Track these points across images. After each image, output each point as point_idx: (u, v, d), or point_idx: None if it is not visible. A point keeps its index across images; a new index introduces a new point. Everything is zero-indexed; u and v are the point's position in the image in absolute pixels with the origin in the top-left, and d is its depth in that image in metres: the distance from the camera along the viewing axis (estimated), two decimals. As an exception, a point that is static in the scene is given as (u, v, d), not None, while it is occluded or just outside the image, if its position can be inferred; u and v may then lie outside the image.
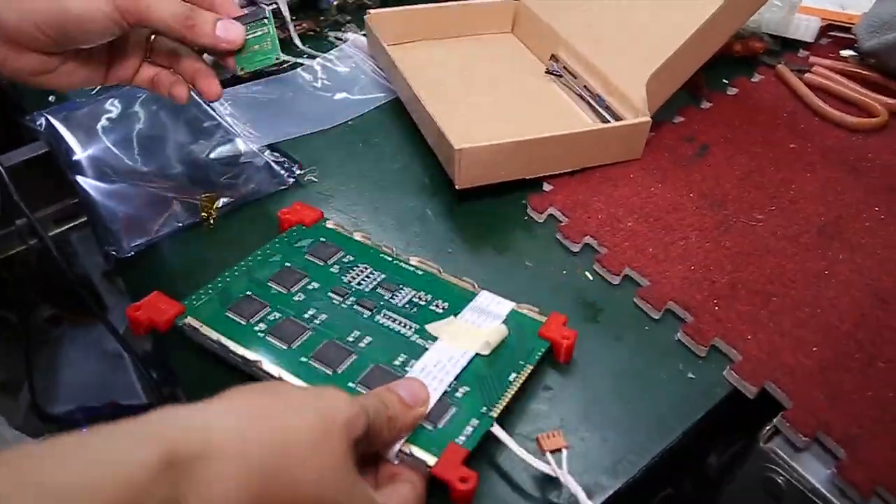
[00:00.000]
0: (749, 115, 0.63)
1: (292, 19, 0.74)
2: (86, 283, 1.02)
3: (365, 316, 0.43)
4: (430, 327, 0.43)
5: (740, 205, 0.54)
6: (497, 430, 0.37)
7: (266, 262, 0.47)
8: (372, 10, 0.68)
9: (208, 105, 0.64)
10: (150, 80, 0.48)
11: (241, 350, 0.40)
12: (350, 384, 0.38)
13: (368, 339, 0.42)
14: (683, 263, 0.49)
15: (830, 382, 0.42)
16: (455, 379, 0.39)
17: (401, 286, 0.46)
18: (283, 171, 0.57)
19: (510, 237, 0.52)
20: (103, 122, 0.62)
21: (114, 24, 0.42)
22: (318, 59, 0.70)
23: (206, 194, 0.54)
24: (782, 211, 0.54)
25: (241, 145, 0.60)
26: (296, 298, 0.44)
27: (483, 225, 0.53)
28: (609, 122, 0.58)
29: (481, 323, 0.43)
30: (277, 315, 0.43)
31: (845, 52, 0.70)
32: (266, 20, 0.47)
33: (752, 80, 0.68)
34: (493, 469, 0.38)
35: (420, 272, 0.47)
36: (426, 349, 0.41)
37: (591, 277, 0.50)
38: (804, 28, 0.71)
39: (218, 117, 0.63)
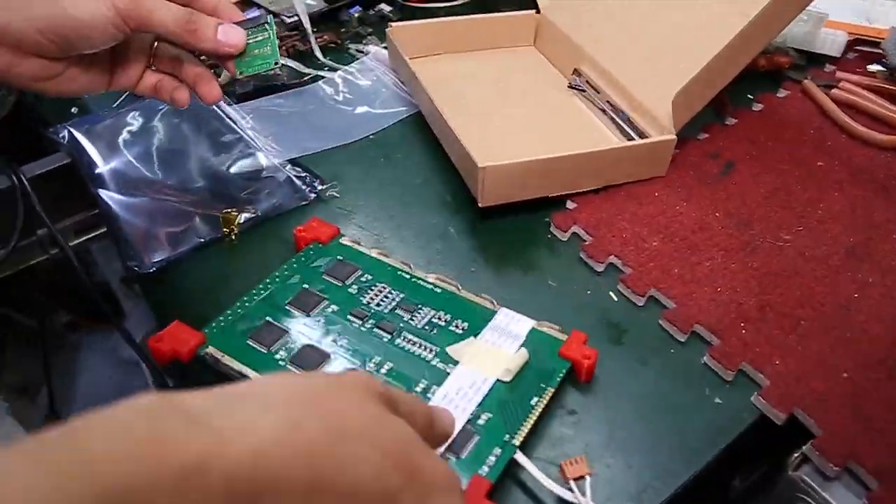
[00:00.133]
0: (775, 132, 0.62)
1: (313, 31, 0.74)
2: (104, 290, 1.02)
3: (385, 339, 0.43)
4: (450, 350, 0.42)
5: (767, 224, 0.53)
6: (520, 456, 0.37)
7: (284, 284, 0.47)
8: (393, 24, 0.68)
9: (230, 118, 0.64)
10: (152, 86, 0.49)
11: None
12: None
13: (389, 364, 0.41)
14: (710, 285, 0.48)
15: (862, 410, 0.41)
16: (477, 405, 0.39)
17: (420, 306, 0.45)
18: (304, 187, 0.57)
19: (533, 256, 0.52)
20: (125, 135, 0.62)
21: (116, 30, 0.42)
22: (339, 72, 0.70)
23: (228, 210, 0.54)
24: (810, 231, 0.53)
25: (262, 159, 0.60)
26: (316, 321, 0.44)
27: (506, 243, 0.53)
28: (633, 138, 0.57)
29: (502, 343, 0.43)
30: (297, 342, 0.43)
31: (873, 67, 0.69)
32: (267, 25, 0.48)
33: (778, 95, 0.67)
34: (515, 496, 0.38)
35: (438, 290, 0.47)
36: (447, 374, 0.41)
37: (615, 298, 0.49)
38: (831, 42, 0.70)
39: (239, 130, 0.63)
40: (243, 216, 0.54)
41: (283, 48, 0.73)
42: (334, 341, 0.43)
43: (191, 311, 0.49)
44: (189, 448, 0.22)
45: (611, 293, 0.49)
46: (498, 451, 0.37)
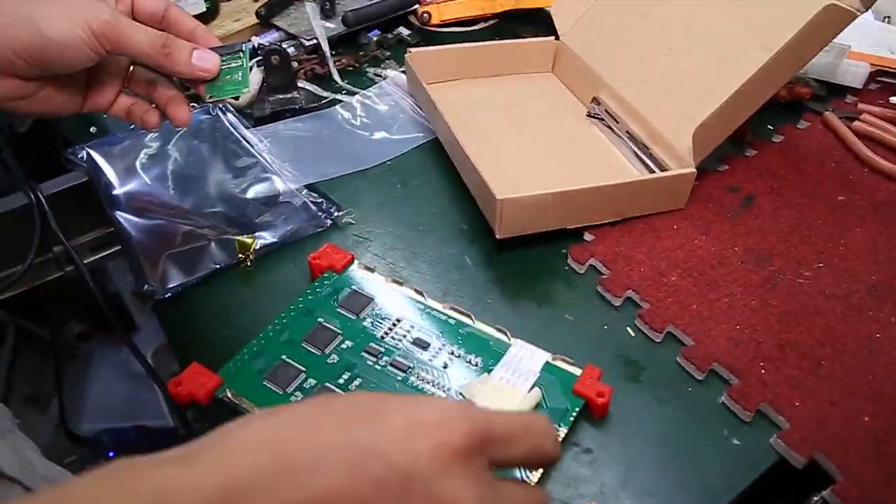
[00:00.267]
0: (795, 165, 0.62)
1: (332, 54, 0.75)
2: (117, 303, 1.03)
3: (399, 378, 0.43)
4: (463, 389, 0.42)
5: (787, 261, 0.52)
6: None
7: (299, 318, 0.47)
8: (412, 49, 0.68)
9: (247, 142, 0.64)
10: (125, 109, 0.49)
11: None
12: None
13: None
14: (728, 322, 0.48)
15: (885, 456, 0.40)
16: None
17: (433, 339, 0.45)
18: (320, 213, 0.57)
19: (550, 288, 0.51)
20: (142, 157, 0.63)
21: (92, 51, 0.43)
22: (356, 97, 0.70)
23: (244, 237, 0.54)
24: (831, 268, 0.52)
25: (279, 184, 0.60)
26: (330, 360, 0.44)
27: (522, 275, 0.52)
28: (653, 170, 0.57)
29: (515, 381, 0.43)
30: (313, 381, 0.43)
31: (895, 100, 0.68)
32: (241, 54, 0.49)
33: (799, 126, 0.67)
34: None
35: (452, 321, 0.46)
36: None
37: (632, 333, 0.48)
38: (853, 74, 0.69)
39: (256, 154, 0.63)
40: (259, 242, 0.54)
41: (302, 72, 0.73)
42: (348, 381, 0.43)
43: (206, 338, 0.49)
44: (160, 476, 0.25)
45: (628, 328, 0.49)
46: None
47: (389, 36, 0.79)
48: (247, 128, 0.66)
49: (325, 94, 0.71)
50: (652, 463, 0.41)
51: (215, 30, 0.77)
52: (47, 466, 0.55)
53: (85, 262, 0.69)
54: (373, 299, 0.48)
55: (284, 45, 0.72)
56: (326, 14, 0.78)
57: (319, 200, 0.58)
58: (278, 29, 0.78)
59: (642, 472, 0.41)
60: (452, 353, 0.44)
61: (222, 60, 0.48)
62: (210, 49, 0.48)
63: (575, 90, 0.69)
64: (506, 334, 0.45)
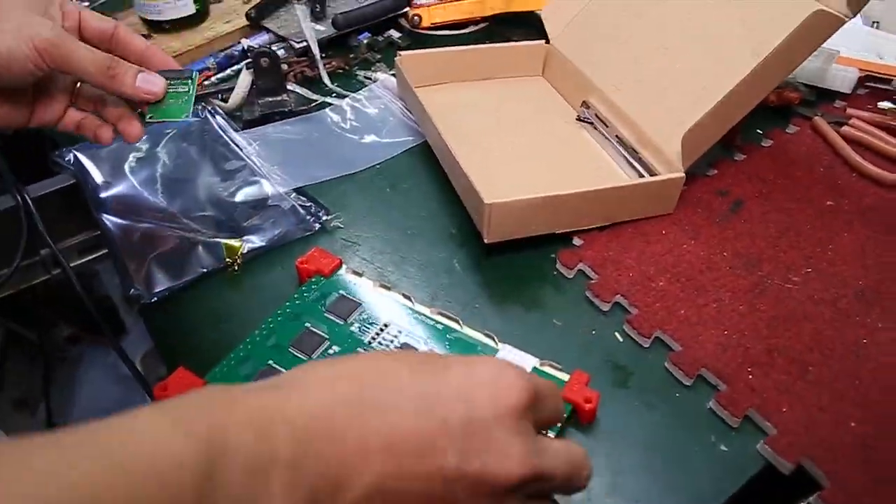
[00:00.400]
0: (784, 169, 0.62)
1: (322, 57, 0.74)
2: (107, 305, 1.02)
3: None
4: None
5: (775, 265, 0.52)
6: None
7: (287, 322, 0.46)
8: (403, 52, 0.68)
9: (236, 145, 0.64)
10: (76, 124, 0.50)
11: None
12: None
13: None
14: (717, 327, 0.48)
15: (872, 461, 0.40)
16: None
17: (421, 344, 0.45)
18: (309, 217, 0.57)
19: (538, 293, 0.51)
20: (130, 160, 0.62)
21: (35, 67, 0.43)
22: (346, 100, 0.70)
23: (231, 241, 0.54)
24: (819, 273, 0.52)
25: (267, 187, 0.59)
26: None
27: (511, 279, 0.52)
28: (642, 174, 0.57)
29: None
30: None
31: (884, 105, 0.68)
32: (190, 80, 0.49)
33: (787, 131, 0.67)
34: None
35: (440, 326, 0.46)
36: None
37: (620, 339, 0.48)
38: (841, 79, 0.70)
39: (245, 158, 0.63)
40: (247, 246, 0.54)
41: (292, 74, 0.73)
42: None
43: (193, 343, 0.49)
44: (254, 401, 0.28)
45: (616, 334, 0.49)
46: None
47: (380, 39, 0.78)
48: (236, 130, 0.66)
49: (314, 96, 0.71)
50: (639, 468, 0.41)
51: (205, 31, 0.77)
52: None
53: (72, 264, 0.69)
54: (361, 304, 0.48)
55: (274, 48, 0.72)
56: (316, 16, 0.78)
57: (308, 204, 0.58)
58: (268, 31, 0.78)
59: (630, 478, 0.41)
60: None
61: (169, 84, 0.49)
62: (158, 72, 0.48)
63: (565, 94, 0.69)
64: (493, 339, 0.45)
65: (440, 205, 0.59)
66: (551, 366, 0.44)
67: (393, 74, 0.72)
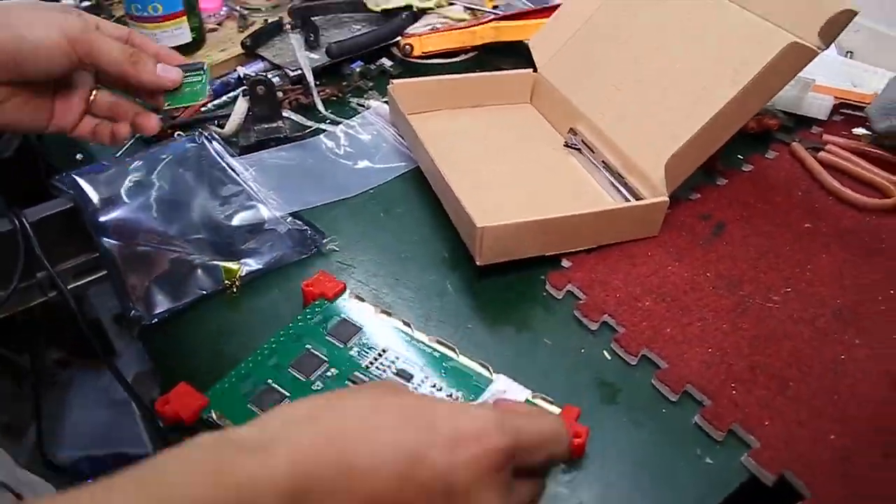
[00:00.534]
0: (764, 194, 0.64)
1: (316, 85, 0.76)
2: (96, 329, 1.03)
3: None
4: None
5: (756, 286, 0.54)
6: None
7: (289, 343, 0.48)
8: (395, 81, 0.70)
9: (232, 170, 0.65)
10: (90, 130, 0.53)
11: None
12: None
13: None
14: (701, 346, 0.49)
15: (850, 473, 0.42)
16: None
17: (416, 371, 0.46)
18: (305, 240, 0.58)
19: (529, 314, 0.53)
20: (128, 184, 0.63)
21: (65, 57, 0.45)
22: (340, 126, 0.72)
23: (229, 263, 0.55)
24: (798, 293, 0.54)
25: (264, 212, 0.61)
26: (314, 387, 0.45)
27: (502, 300, 0.54)
28: (627, 199, 0.59)
29: None
30: None
31: (858, 131, 0.71)
32: (202, 72, 0.55)
33: (767, 156, 0.70)
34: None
35: (437, 354, 0.48)
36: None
37: (608, 357, 0.50)
38: (818, 106, 0.72)
39: (242, 182, 0.64)
40: (245, 269, 0.56)
41: (287, 101, 0.75)
42: None
43: (192, 364, 0.50)
44: (241, 470, 0.27)
45: (604, 352, 0.50)
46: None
47: (372, 67, 0.81)
48: (232, 156, 0.67)
49: (309, 123, 0.73)
50: (628, 482, 0.43)
51: (201, 59, 0.79)
52: (26, 474, 0.56)
53: (69, 287, 0.70)
54: (361, 329, 0.49)
55: (269, 76, 0.74)
56: (311, 45, 0.80)
57: (304, 228, 0.60)
58: (263, 59, 0.80)
59: (619, 491, 0.42)
60: (434, 386, 0.45)
61: (184, 75, 0.53)
62: (176, 66, 0.53)
63: (552, 121, 0.72)
64: (488, 369, 0.46)
65: (432, 229, 0.60)
66: (543, 398, 0.45)
67: (385, 102, 0.74)
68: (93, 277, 0.74)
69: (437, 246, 0.59)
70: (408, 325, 0.49)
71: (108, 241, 0.58)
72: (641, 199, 0.58)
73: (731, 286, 0.54)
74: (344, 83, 0.79)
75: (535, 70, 0.74)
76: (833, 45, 0.80)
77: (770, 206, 0.63)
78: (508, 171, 0.65)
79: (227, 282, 0.55)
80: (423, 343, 0.48)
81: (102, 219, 0.60)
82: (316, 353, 0.47)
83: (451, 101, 0.73)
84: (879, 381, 0.48)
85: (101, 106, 0.53)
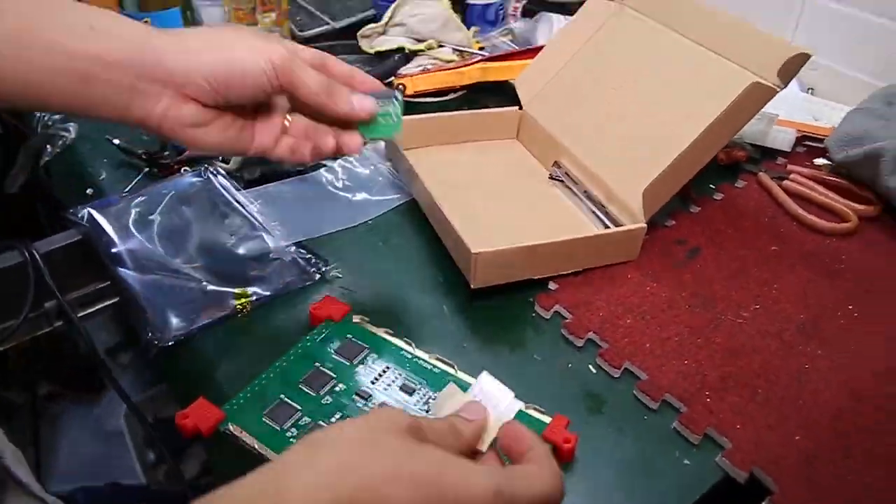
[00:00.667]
0: (734, 220, 0.69)
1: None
2: (91, 361, 1.05)
3: None
4: (434, 404, 0.47)
5: (728, 304, 0.59)
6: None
7: (298, 361, 0.52)
8: (390, 118, 0.75)
9: (238, 203, 0.70)
10: (289, 149, 0.52)
11: (273, 456, 0.45)
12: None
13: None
14: (678, 358, 0.54)
15: (812, 470, 0.46)
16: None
17: (419, 386, 0.50)
18: (309, 268, 0.62)
19: (520, 333, 0.57)
20: (138, 217, 0.68)
21: (269, 84, 0.46)
22: (339, 161, 0.76)
23: (239, 289, 0.59)
24: (766, 310, 0.59)
25: (269, 242, 0.65)
26: (324, 401, 0.49)
27: (495, 321, 0.58)
28: (609, 226, 0.64)
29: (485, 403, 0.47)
30: (307, 420, 0.47)
31: (819, 161, 0.77)
32: (395, 101, 0.53)
33: (737, 185, 0.75)
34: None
35: (437, 370, 0.51)
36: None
37: (594, 371, 0.54)
38: (781, 139, 0.78)
39: (248, 214, 0.68)
40: (254, 294, 0.59)
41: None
42: (340, 420, 0.47)
43: (206, 383, 0.54)
44: None
45: (590, 366, 0.55)
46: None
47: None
48: (238, 190, 0.71)
49: (308, 158, 0.77)
50: (614, 484, 0.47)
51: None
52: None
53: (80, 315, 0.73)
54: (366, 348, 0.53)
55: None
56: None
57: (308, 256, 0.64)
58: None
59: (605, 491, 0.46)
60: (434, 399, 0.49)
61: (378, 103, 0.52)
62: (368, 94, 0.52)
63: (537, 155, 0.77)
64: None
65: (427, 256, 0.65)
66: (535, 409, 0.49)
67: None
68: (96, 308, 0.77)
69: (433, 271, 0.63)
70: (409, 343, 0.54)
71: (123, 271, 0.62)
72: (621, 226, 0.63)
73: (705, 304, 0.59)
74: (340, 121, 0.83)
75: (521, 107, 0.79)
76: (796, 82, 0.86)
77: (739, 231, 0.68)
78: (497, 202, 0.69)
79: (238, 307, 0.59)
80: (423, 360, 0.52)
81: (117, 250, 0.64)
82: (324, 370, 0.51)
83: (443, 137, 0.78)
84: (840, 389, 0.53)
85: (296, 129, 0.52)
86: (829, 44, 0.89)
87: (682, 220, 0.69)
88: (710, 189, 0.74)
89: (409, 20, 0.86)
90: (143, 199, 0.70)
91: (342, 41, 0.89)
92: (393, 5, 0.87)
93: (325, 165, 0.76)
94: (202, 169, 0.74)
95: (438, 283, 0.62)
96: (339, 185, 0.73)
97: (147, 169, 0.76)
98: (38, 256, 0.70)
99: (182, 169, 0.76)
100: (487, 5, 0.97)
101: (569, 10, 0.90)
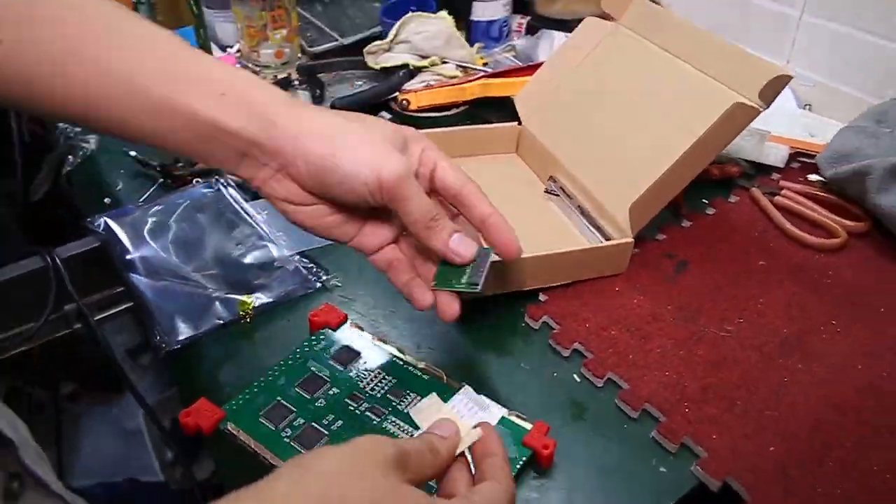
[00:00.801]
0: (724, 234, 0.71)
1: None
2: (109, 363, 1.09)
3: (374, 422, 0.50)
4: (414, 411, 0.48)
5: (712, 317, 0.61)
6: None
7: (296, 365, 0.54)
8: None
9: (247, 214, 0.73)
10: (387, 262, 0.50)
11: (269, 455, 0.47)
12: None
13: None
14: (660, 369, 0.56)
15: (786, 479, 0.48)
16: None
17: (407, 391, 0.52)
18: (311, 276, 0.65)
19: (509, 342, 0.60)
20: (151, 225, 0.71)
21: (370, 196, 0.45)
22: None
23: (243, 296, 0.62)
24: (750, 324, 0.61)
25: (274, 251, 0.68)
26: (318, 404, 0.51)
27: (485, 329, 0.61)
28: (599, 240, 0.66)
29: (465, 414, 0.50)
30: (301, 421, 0.50)
31: (812, 177, 0.78)
32: (487, 258, 0.49)
33: (729, 200, 0.77)
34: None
35: (426, 377, 0.54)
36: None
37: (578, 380, 0.56)
38: (774, 155, 0.80)
39: (255, 224, 0.71)
40: (257, 301, 0.62)
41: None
42: (331, 422, 0.50)
43: (210, 383, 0.57)
44: None
45: (574, 375, 0.57)
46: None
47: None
48: (246, 201, 0.75)
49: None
50: (593, 489, 0.49)
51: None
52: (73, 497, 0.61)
53: (97, 318, 0.77)
54: (360, 353, 0.56)
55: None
56: (316, 101, 0.88)
57: (310, 265, 0.67)
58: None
59: (583, 496, 0.48)
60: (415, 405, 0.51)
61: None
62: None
63: (535, 169, 0.79)
64: (471, 390, 0.53)
65: (425, 266, 0.67)
66: (517, 415, 0.51)
67: (384, 151, 0.81)
68: (112, 311, 0.81)
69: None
70: (401, 351, 0.56)
71: (135, 277, 0.66)
72: (610, 239, 0.65)
73: (689, 317, 0.61)
74: (347, 134, 0.86)
75: (520, 123, 0.82)
76: (793, 98, 0.88)
77: (729, 245, 0.70)
78: (494, 215, 0.72)
79: (241, 313, 0.62)
80: (413, 367, 0.55)
81: (130, 257, 0.68)
82: (319, 374, 0.54)
83: (446, 150, 0.79)
84: (818, 401, 0.54)
85: (406, 248, 0.50)
86: (825, 61, 0.90)
87: (673, 234, 0.71)
88: (703, 204, 0.76)
89: (414, 37, 0.89)
90: (157, 208, 0.74)
91: (349, 57, 0.92)
92: (398, 23, 0.90)
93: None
94: (213, 180, 0.78)
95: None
96: (343, 197, 0.76)
97: (161, 180, 0.80)
98: (59, 262, 0.74)
99: (195, 180, 0.79)
100: (491, 22, 0.99)
101: (569, 27, 0.93)
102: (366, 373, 0.54)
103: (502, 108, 0.90)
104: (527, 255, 0.59)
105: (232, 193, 0.76)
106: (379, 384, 0.53)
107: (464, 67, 0.93)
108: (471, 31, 1.01)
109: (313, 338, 0.57)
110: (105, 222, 0.71)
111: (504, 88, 0.89)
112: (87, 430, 1.36)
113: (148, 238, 0.70)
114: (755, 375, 0.56)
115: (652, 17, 0.73)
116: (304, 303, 0.63)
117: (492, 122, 0.84)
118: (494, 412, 0.51)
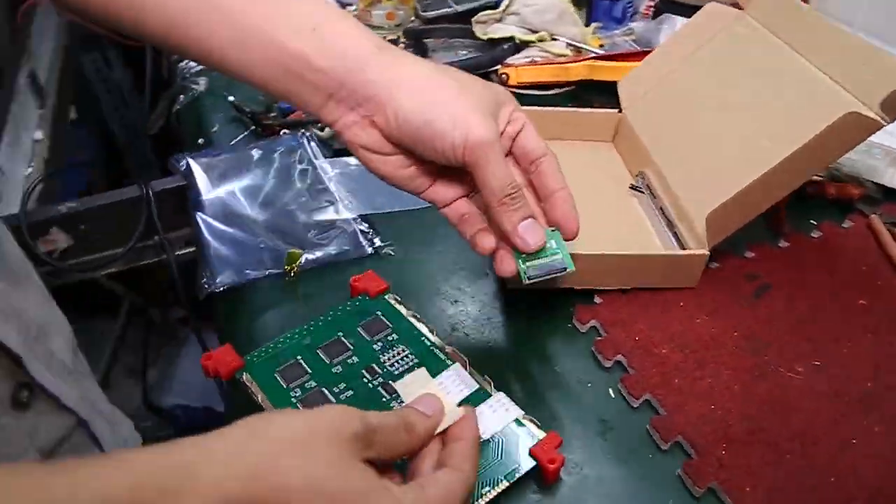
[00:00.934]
0: (825, 262, 0.63)
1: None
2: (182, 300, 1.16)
3: (384, 399, 0.48)
4: (400, 385, 0.48)
5: (782, 354, 0.54)
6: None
7: (324, 328, 0.53)
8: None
9: (323, 172, 0.72)
10: (458, 216, 0.49)
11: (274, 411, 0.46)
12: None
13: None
14: (705, 401, 0.50)
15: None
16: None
17: (425, 372, 0.50)
18: (365, 242, 0.64)
19: (548, 340, 0.55)
20: (227, 170, 0.72)
21: (451, 155, 0.44)
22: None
23: (292, 250, 0.62)
24: (826, 369, 0.53)
25: (336, 212, 0.67)
26: (334, 370, 0.50)
27: (527, 322, 0.57)
28: (674, 247, 0.60)
29: (451, 390, 0.47)
30: (313, 384, 0.49)
31: (953, 212, 0.67)
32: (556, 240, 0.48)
33: (843, 225, 0.67)
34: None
35: (450, 361, 0.51)
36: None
37: (612, 395, 0.52)
38: (905, 180, 0.69)
39: (326, 182, 0.71)
40: (305, 257, 0.62)
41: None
42: (341, 391, 0.48)
43: (239, 332, 0.57)
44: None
45: (610, 390, 0.52)
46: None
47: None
48: (325, 157, 0.74)
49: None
50: (598, 516, 0.45)
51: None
52: (112, 410, 0.64)
53: (175, 254, 0.80)
54: (390, 327, 0.54)
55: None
56: (416, 65, 0.85)
57: (368, 230, 0.65)
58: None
59: (585, 523, 0.44)
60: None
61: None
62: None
63: (627, 161, 0.73)
64: (490, 385, 0.49)
65: (483, 248, 0.64)
66: (532, 421, 0.47)
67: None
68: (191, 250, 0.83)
69: (482, 264, 0.62)
70: (432, 331, 0.54)
71: (201, 217, 0.67)
72: (686, 248, 0.59)
73: (755, 349, 0.54)
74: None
75: (621, 110, 0.76)
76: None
77: (827, 275, 0.61)
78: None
79: (287, 266, 0.61)
80: (439, 350, 0.52)
81: (201, 198, 0.69)
82: (344, 340, 0.52)
83: (540, 132, 0.75)
84: (887, 469, 0.47)
85: (477, 202, 0.49)
86: None
87: (764, 253, 0.63)
88: (810, 225, 0.67)
89: (524, 10, 0.84)
90: (238, 154, 0.75)
91: (461, 24, 0.89)
92: (511, -7, 0.86)
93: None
94: (300, 133, 0.78)
95: (483, 277, 0.61)
96: (419, 165, 0.74)
97: (253, 127, 0.81)
98: (151, 194, 0.78)
99: (282, 131, 0.80)
100: (615, 2, 0.93)
101: (698, 13, 0.84)
102: (390, 347, 0.52)
103: (608, 93, 0.84)
104: (584, 253, 0.55)
105: (313, 148, 0.76)
106: (399, 361, 0.51)
107: (574, 46, 0.87)
108: (592, 9, 0.95)
109: (349, 303, 0.56)
110: (187, 162, 0.73)
111: (612, 72, 0.83)
112: (185, 354, 1.46)
113: (221, 182, 0.71)
114: (817, 429, 0.49)
115: (784, 9, 0.65)
116: (353, 267, 0.62)
117: (595, 106, 0.78)
118: (511, 411, 0.48)
